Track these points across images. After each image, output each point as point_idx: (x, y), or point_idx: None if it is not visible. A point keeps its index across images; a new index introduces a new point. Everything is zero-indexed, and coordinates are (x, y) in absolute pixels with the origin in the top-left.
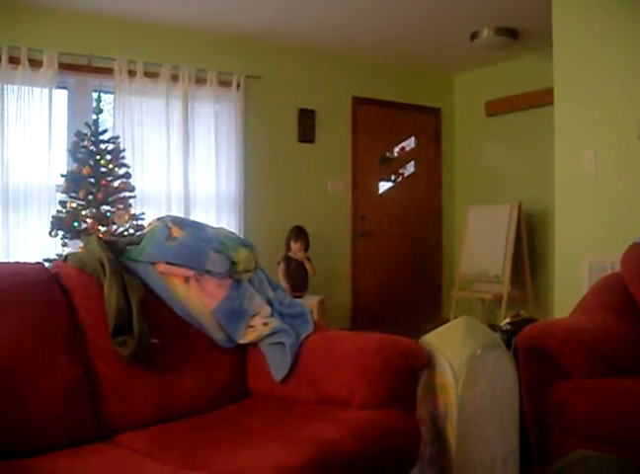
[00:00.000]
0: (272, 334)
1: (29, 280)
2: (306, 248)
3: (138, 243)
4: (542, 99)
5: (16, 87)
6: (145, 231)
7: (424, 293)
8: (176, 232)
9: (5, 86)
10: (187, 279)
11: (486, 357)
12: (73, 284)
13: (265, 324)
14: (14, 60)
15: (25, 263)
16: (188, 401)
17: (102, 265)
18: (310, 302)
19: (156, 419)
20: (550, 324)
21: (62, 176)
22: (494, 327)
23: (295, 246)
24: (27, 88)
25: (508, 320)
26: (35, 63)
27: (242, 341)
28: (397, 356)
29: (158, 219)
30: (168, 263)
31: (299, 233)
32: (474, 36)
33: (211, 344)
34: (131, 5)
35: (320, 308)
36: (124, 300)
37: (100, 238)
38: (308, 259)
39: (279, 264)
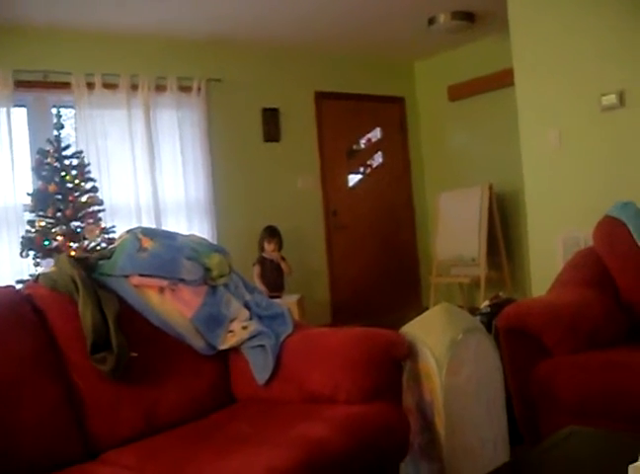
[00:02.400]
0: (252, 337)
1: (1, 305)
2: (280, 247)
3: (109, 257)
4: (504, 80)
5: None
6: (115, 244)
7: (402, 283)
8: (146, 243)
9: None
10: (161, 290)
11: (467, 342)
12: (47, 305)
13: (244, 328)
14: None
15: None
16: (173, 411)
17: (74, 282)
18: (289, 301)
19: (143, 432)
20: (528, 303)
21: (29, 195)
22: (474, 310)
23: (269, 246)
24: None
25: (487, 303)
26: None
27: (222, 347)
28: (379, 349)
29: (128, 231)
30: (141, 275)
31: (272, 233)
32: (431, 21)
33: (192, 352)
34: (85, 17)
35: (299, 306)
36: (100, 316)
37: (70, 255)
38: (283, 258)
39: (254, 266)
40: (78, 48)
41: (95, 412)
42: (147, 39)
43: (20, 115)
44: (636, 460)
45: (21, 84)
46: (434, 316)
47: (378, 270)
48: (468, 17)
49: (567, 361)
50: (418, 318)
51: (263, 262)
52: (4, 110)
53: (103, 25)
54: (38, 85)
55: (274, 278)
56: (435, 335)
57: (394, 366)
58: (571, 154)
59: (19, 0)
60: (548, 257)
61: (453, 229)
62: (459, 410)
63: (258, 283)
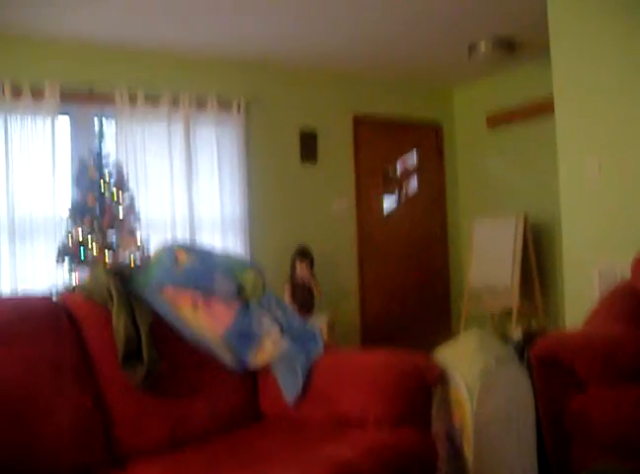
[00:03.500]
0: (282, 355)
1: (37, 312)
2: (311, 268)
3: (145, 269)
4: (543, 109)
5: (19, 117)
6: (152, 257)
7: (433, 309)
8: (182, 257)
9: (8, 117)
10: (195, 304)
11: (499, 371)
12: (81, 314)
13: (275, 346)
14: (16, 92)
15: (32, 295)
16: (200, 426)
17: (109, 293)
18: (319, 322)
19: (169, 445)
20: (564, 334)
21: (67, 204)
22: (505, 340)
23: (300, 266)
24: (30, 118)
25: (519, 332)
26: (37, 93)
27: (252, 363)
28: (410, 373)
29: (164, 245)
30: (175, 288)
31: (303, 254)
32: (472, 49)
33: (222, 367)
34: (130, 33)
35: (329, 327)
36: (133, 327)
37: (106, 266)
38: (314, 278)
39: (285, 285)
40: (123, 62)
41: (122, 422)
42: (190, 56)
43: (64, 124)
44: None
45: (67, 95)
46: (466, 343)
47: (409, 295)
48: (508, 45)
49: (601, 395)
50: (450, 343)
51: (294, 282)
52: (49, 119)
53: (148, 41)
54: (82, 97)
55: (304, 299)
56: (466, 362)
57: (424, 392)
58: (610, 184)
59: (68, 15)
60: (583, 288)
61: (487, 257)
62: (489, 439)
63: (288, 303)
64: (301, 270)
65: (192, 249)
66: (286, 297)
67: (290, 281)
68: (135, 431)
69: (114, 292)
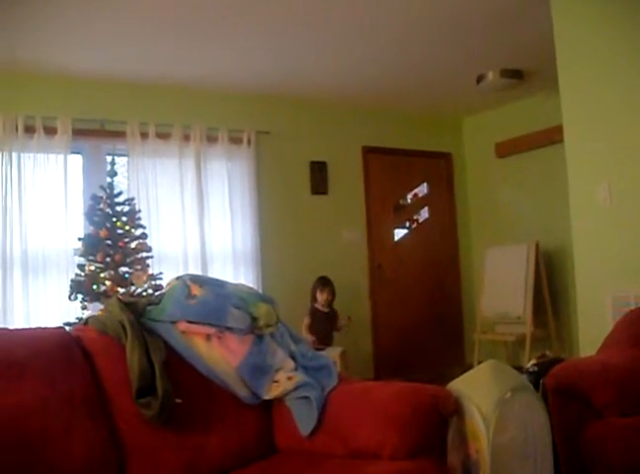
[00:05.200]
0: (296, 388)
1: (51, 345)
2: (333, 297)
3: (158, 303)
4: (552, 137)
5: (32, 155)
6: (165, 290)
7: (446, 338)
8: (195, 290)
9: (22, 154)
10: (208, 337)
11: (515, 401)
12: (95, 348)
13: (289, 378)
14: (29, 129)
15: (46, 328)
16: (215, 460)
17: (123, 326)
18: (332, 354)
19: None
20: (579, 363)
21: (80, 239)
22: (519, 369)
23: (322, 296)
24: (42, 155)
25: (534, 361)
26: (49, 130)
27: (267, 397)
28: (426, 405)
29: (177, 278)
30: (189, 321)
31: (325, 283)
32: (480, 79)
33: (236, 401)
34: (140, 68)
35: (342, 359)
36: (147, 361)
37: (120, 300)
38: (336, 312)
39: (305, 317)
40: (134, 99)
41: (137, 457)
42: (200, 90)
43: (76, 161)
44: None
45: (78, 132)
46: (481, 373)
47: (422, 324)
48: (517, 74)
49: (618, 424)
50: (465, 374)
51: (314, 313)
52: (61, 156)
53: (158, 77)
54: (94, 133)
55: (324, 330)
56: (481, 392)
57: (440, 423)
58: (621, 211)
59: (79, 52)
60: (597, 316)
61: (499, 286)
62: (506, 470)
63: (306, 335)
64: (323, 299)
65: (205, 281)
66: (304, 329)
67: (310, 313)
68: (150, 465)
69: (127, 326)
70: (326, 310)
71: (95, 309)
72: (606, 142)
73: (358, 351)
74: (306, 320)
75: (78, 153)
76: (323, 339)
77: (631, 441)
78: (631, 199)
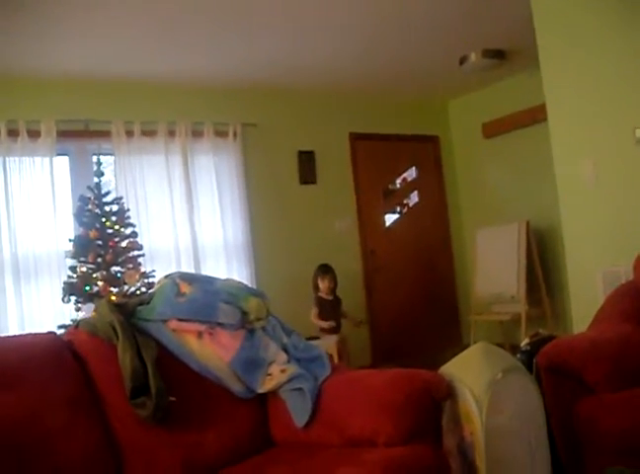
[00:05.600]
0: (290, 380)
1: (42, 351)
2: (335, 284)
3: (148, 302)
4: (537, 116)
5: (17, 158)
6: (154, 290)
7: (442, 321)
8: (184, 288)
9: (7, 159)
10: (200, 334)
11: (507, 382)
12: (87, 350)
13: (282, 371)
14: (13, 133)
15: (37, 333)
16: (212, 456)
17: (113, 328)
18: (329, 342)
19: None
20: (569, 340)
21: (70, 241)
22: (515, 348)
23: (323, 284)
24: (27, 158)
25: (527, 340)
26: (33, 133)
27: (261, 390)
28: (418, 390)
29: (166, 276)
30: (179, 319)
31: (325, 271)
32: (463, 60)
33: (230, 396)
34: (123, 67)
35: (339, 347)
36: (139, 361)
37: (110, 301)
38: (340, 301)
39: (313, 308)
40: (117, 97)
41: (133, 456)
42: (184, 85)
43: (62, 163)
44: None
45: (63, 134)
46: (472, 356)
47: (418, 308)
48: (499, 55)
49: (610, 399)
50: (456, 358)
51: (320, 301)
52: (47, 159)
53: (140, 73)
54: (79, 134)
55: (333, 317)
56: (473, 375)
57: (434, 408)
58: (607, 188)
59: (59, 52)
60: (588, 292)
61: (492, 266)
62: (501, 451)
63: (320, 325)
64: (325, 287)
65: (193, 279)
66: (314, 319)
67: (316, 303)
68: (147, 464)
69: (117, 327)
70: (330, 298)
71: (89, 310)
72: (590, 121)
73: (354, 337)
74: (314, 310)
75: (64, 155)
76: (336, 326)
77: (620, 415)
78: (616, 176)
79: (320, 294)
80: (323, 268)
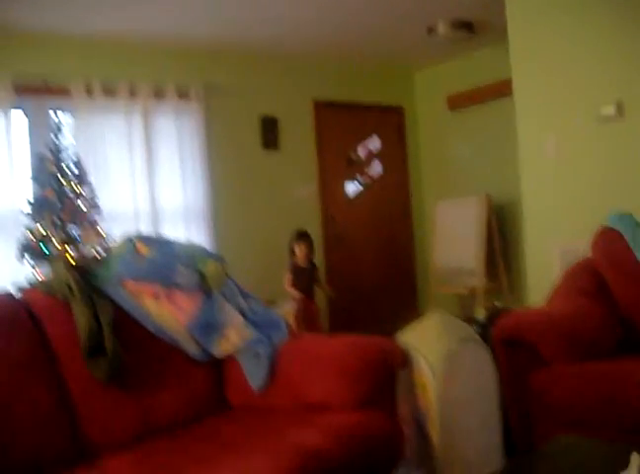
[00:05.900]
0: (247, 344)
1: None
2: (311, 251)
3: (105, 262)
4: (503, 90)
5: None
6: (112, 250)
7: (400, 292)
8: (142, 249)
9: None
10: (157, 296)
11: (462, 352)
12: (42, 310)
13: (239, 334)
14: None
15: None
16: (167, 417)
17: (70, 288)
18: (287, 309)
19: (137, 437)
20: (525, 313)
21: (27, 201)
22: (471, 320)
23: (299, 250)
24: None
25: (483, 312)
26: None
27: (217, 353)
28: (374, 357)
29: (124, 238)
30: (137, 281)
31: (300, 236)
32: (430, 30)
33: (187, 358)
34: (84, 23)
35: (298, 315)
36: (95, 322)
37: (66, 261)
38: (316, 267)
39: (286, 273)
40: (78, 55)
41: (89, 416)
42: (146, 46)
43: (20, 120)
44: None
45: (20, 89)
46: (429, 325)
47: (376, 279)
48: (467, 27)
49: (562, 371)
50: (413, 326)
51: (295, 268)
52: (2, 114)
53: (102, 31)
54: (37, 90)
55: (307, 285)
56: (429, 344)
57: (388, 375)
58: (569, 164)
59: (17, 6)
60: (546, 267)
61: (451, 239)
62: (454, 420)
63: (293, 293)
64: (301, 253)
65: (152, 240)
66: (287, 286)
67: (291, 269)
68: (103, 424)
69: (74, 287)
70: (305, 265)
71: (45, 270)
72: (555, 97)
73: None
74: (288, 275)
75: (21, 109)
76: (307, 293)
77: (572, 387)
78: (579, 153)
79: (295, 260)
80: (298, 234)
